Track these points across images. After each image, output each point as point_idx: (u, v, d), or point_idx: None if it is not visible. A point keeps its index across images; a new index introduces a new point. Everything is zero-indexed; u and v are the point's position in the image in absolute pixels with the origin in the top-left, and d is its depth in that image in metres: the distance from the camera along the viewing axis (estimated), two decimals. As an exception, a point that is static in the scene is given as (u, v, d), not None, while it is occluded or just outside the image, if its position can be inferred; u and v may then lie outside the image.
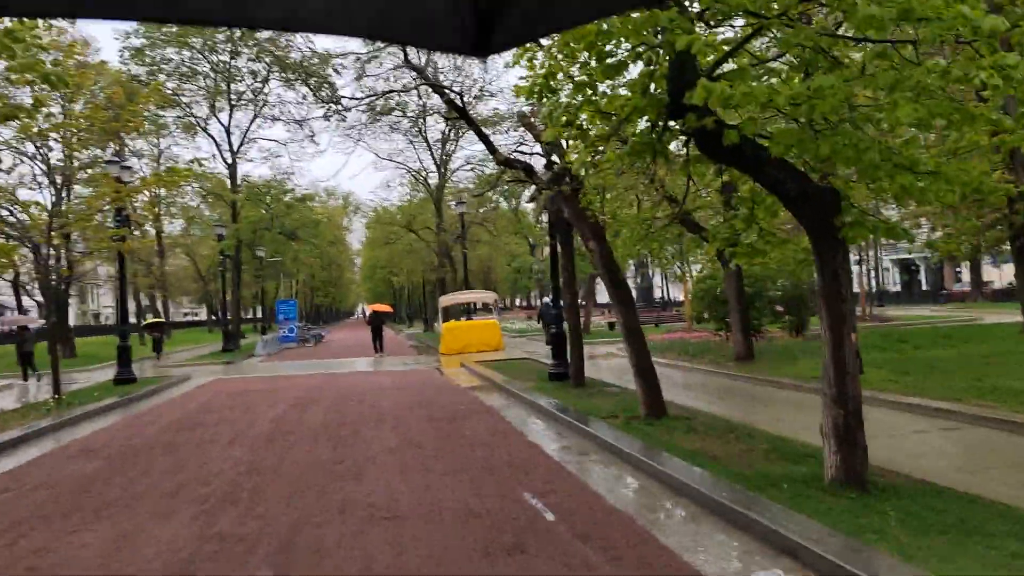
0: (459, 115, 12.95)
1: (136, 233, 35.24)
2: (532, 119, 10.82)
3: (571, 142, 9.94)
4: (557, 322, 15.31)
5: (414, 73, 13.27)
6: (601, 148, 7.15)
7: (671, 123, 6.40)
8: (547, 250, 64.01)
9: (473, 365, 19.44)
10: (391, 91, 15.03)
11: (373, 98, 15.20)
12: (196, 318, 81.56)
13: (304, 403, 13.77)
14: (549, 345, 27.38)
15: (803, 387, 11.97)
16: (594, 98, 6.87)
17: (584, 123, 7.24)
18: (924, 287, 57.63)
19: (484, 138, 12.73)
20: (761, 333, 20.98)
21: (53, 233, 16.36)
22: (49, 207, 19.76)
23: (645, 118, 6.53)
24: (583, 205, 9.61)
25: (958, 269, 56.30)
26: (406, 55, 12.51)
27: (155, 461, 8.68)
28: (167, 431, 10.95)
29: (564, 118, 7.02)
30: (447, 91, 12.74)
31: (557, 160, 10.90)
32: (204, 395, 16.03)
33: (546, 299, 48.36)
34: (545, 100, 6.91)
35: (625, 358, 19.94)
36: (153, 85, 23.34)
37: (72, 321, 67.78)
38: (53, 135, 15.32)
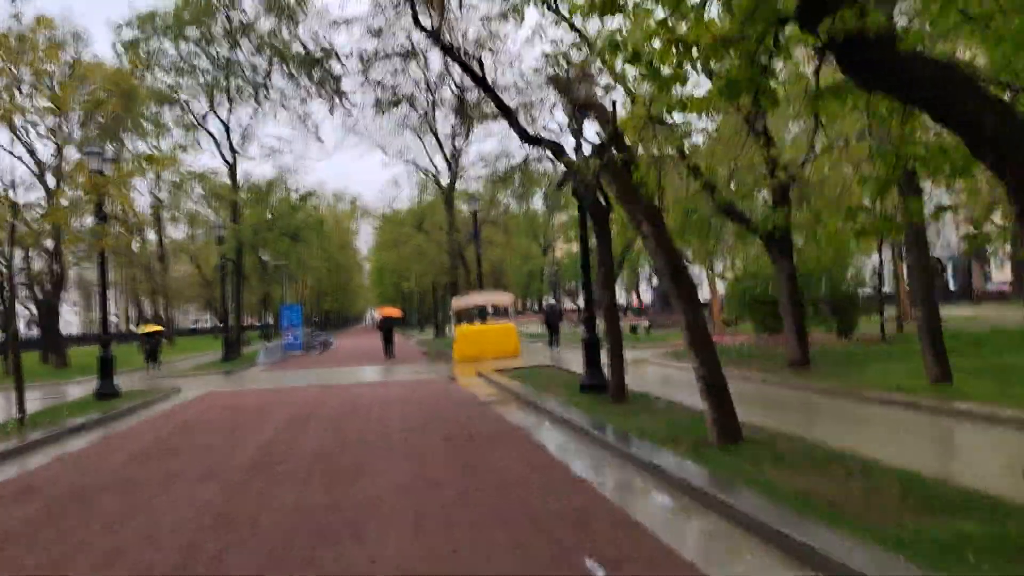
0: (478, 85, 11.17)
1: (137, 239, 33.66)
2: (575, 75, 8.94)
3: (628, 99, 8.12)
4: (589, 326, 13.41)
5: (423, 34, 11.43)
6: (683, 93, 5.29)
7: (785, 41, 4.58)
8: (559, 253, 62.15)
9: (491, 374, 17.58)
10: (399, 53, 13.22)
11: (379, 59, 13.40)
12: (205, 325, 79.99)
13: (301, 422, 11.95)
14: (552, 348, 25.98)
15: (893, 401, 10.06)
16: (670, 23, 5.07)
17: (654, 59, 5.40)
18: (951, 287, 55.31)
19: (507, 111, 10.90)
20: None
21: (22, 234, 14.66)
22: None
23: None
24: (636, 180, 7.73)
25: (987, 268, 53.99)
26: (415, 15, 10.72)
27: (103, 506, 6.84)
28: (132, 462, 9.12)
29: (632, 47, 5.21)
30: (462, 54, 10.91)
31: (600, 133, 9.06)
32: (190, 412, 14.21)
33: (551, 301, 46.57)
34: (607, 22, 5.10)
35: (659, 366, 18.26)
36: (131, 59, 21.56)
37: (77, 329, 66.16)
38: (23, 116, 13.54)
